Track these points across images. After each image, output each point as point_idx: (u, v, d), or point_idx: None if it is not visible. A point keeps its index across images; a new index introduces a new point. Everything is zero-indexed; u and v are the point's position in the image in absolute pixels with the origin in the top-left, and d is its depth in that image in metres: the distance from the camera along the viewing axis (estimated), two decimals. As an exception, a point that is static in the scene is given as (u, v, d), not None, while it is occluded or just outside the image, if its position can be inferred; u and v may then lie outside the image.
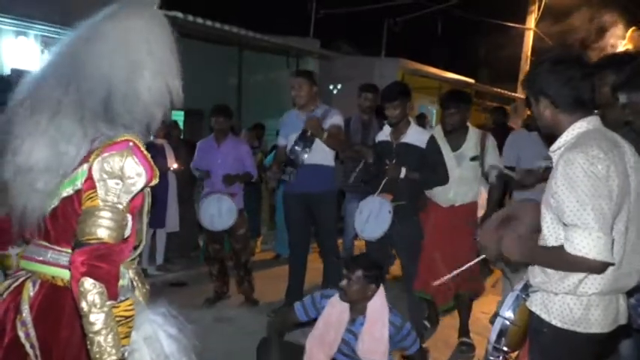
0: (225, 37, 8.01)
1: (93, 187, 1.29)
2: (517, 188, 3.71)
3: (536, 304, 1.80)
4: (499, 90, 14.03)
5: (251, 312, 4.23)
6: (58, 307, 1.34)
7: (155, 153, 5.01)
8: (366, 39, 14.44)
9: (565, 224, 1.66)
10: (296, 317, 2.72)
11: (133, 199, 1.35)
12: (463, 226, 3.48)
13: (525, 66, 11.46)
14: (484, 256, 2.02)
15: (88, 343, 1.23)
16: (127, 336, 1.28)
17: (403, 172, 3.36)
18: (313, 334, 2.65)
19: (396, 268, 4.50)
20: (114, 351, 1.23)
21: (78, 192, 1.32)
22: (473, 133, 3.53)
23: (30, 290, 1.38)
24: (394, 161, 3.39)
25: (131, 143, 1.33)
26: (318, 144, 3.86)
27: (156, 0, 1.48)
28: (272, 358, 2.67)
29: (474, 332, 3.68)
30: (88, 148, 1.33)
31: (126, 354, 1.28)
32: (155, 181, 1.41)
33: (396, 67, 10.86)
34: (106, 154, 1.30)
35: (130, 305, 1.29)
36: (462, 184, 3.48)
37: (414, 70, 11.59)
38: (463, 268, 2.11)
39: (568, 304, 1.72)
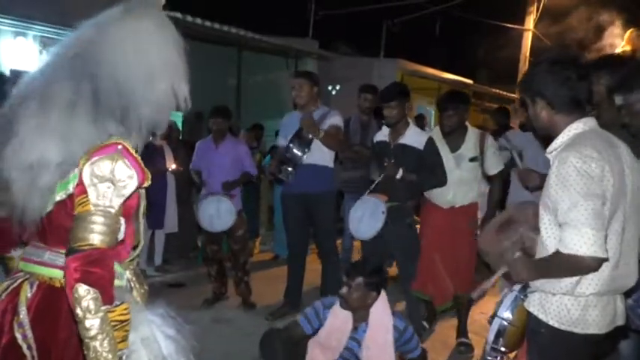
0: (225, 38, 8.01)
1: (84, 192, 1.29)
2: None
3: (533, 305, 1.81)
4: (497, 91, 14.05)
5: (249, 313, 4.23)
6: (56, 309, 1.34)
7: (154, 154, 5.04)
8: (365, 40, 14.46)
9: (559, 224, 1.67)
10: (302, 331, 2.68)
11: (126, 201, 1.34)
12: (463, 227, 3.48)
13: (524, 67, 11.46)
14: (503, 271, 1.98)
15: (85, 348, 1.23)
16: (124, 340, 1.28)
17: (400, 172, 3.36)
18: (315, 339, 2.65)
19: (394, 269, 4.50)
20: (110, 356, 1.22)
21: (70, 196, 1.32)
22: (472, 134, 3.51)
23: (27, 291, 1.38)
24: (393, 161, 3.39)
25: (120, 146, 1.33)
26: (317, 144, 3.86)
27: (162, 2, 1.49)
28: (277, 353, 2.67)
29: (472, 332, 3.69)
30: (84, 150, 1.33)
31: (124, 357, 1.28)
32: (147, 183, 1.40)
33: (395, 67, 10.87)
34: (95, 159, 1.30)
35: (125, 309, 1.29)
36: (462, 185, 3.47)
37: (413, 70, 11.60)
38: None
39: (565, 304, 1.72)
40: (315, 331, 2.69)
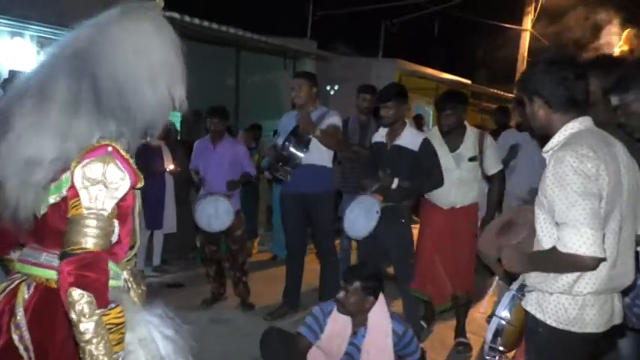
0: (223, 38, 8.01)
1: (76, 195, 1.29)
2: None
3: (531, 304, 1.81)
4: (496, 91, 14.06)
5: (248, 313, 4.23)
6: (53, 310, 1.34)
7: (152, 154, 5.04)
8: (364, 40, 14.47)
9: (557, 223, 1.67)
10: (307, 340, 2.65)
11: (120, 202, 1.34)
12: (463, 228, 3.47)
13: (522, 67, 11.49)
14: (517, 285, 1.99)
15: (80, 352, 1.23)
16: (120, 342, 1.28)
17: (395, 182, 3.36)
18: (317, 345, 2.64)
19: (392, 268, 4.50)
20: (106, 359, 1.22)
21: (64, 199, 1.32)
22: (471, 133, 3.50)
23: (25, 293, 1.38)
24: (388, 172, 3.38)
25: (110, 148, 1.32)
26: (316, 144, 3.86)
27: (160, 3, 1.49)
28: (277, 353, 2.67)
29: (470, 332, 3.69)
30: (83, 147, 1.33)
31: (119, 359, 1.28)
32: (140, 184, 1.41)
33: (393, 68, 10.87)
34: (86, 161, 1.29)
35: (120, 312, 1.29)
36: (462, 185, 3.45)
37: (411, 71, 11.60)
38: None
39: (563, 303, 1.73)
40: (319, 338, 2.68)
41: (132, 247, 1.50)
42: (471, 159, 3.46)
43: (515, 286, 1.95)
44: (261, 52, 9.11)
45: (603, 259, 1.63)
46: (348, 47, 14.22)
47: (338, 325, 2.58)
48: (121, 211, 1.38)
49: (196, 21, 7.21)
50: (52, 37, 5.75)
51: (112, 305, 1.28)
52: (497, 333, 1.92)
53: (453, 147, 3.47)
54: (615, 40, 8.19)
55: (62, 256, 1.26)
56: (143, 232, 5.06)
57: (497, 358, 1.96)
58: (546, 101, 1.79)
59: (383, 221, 3.31)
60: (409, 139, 3.44)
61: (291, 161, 3.93)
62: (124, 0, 1.44)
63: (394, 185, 3.36)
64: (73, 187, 1.29)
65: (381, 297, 2.60)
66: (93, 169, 1.29)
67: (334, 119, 3.94)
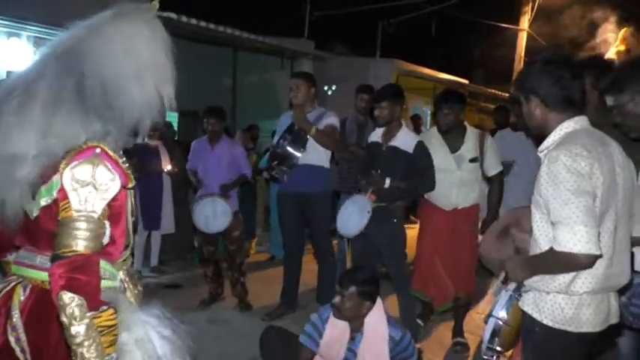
0: (220, 38, 8.00)
1: (66, 197, 1.29)
2: None
3: (528, 304, 1.81)
4: (493, 91, 14.08)
5: (245, 314, 4.22)
6: (49, 312, 1.34)
7: (149, 154, 5.04)
8: (361, 40, 14.46)
9: (552, 222, 1.68)
10: (308, 349, 2.64)
11: (111, 203, 1.34)
12: (465, 229, 3.47)
13: (519, 67, 11.50)
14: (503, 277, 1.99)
15: (72, 354, 1.23)
16: (112, 344, 1.28)
17: (387, 182, 3.36)
18: (317, 352, 2.63)
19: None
20: None
21: (55, 201, 1.32)
22: (471, 134, 3.48)
23: (20, 295, 1.37)
24: (379, 171, 3.39)
25: (98, 150, 1.33)
26: (313, 144, 3.86)
27: (156, 5, 1.50)
28: (277, 353, 2.67)
29: (467, 332, 3.69)
30: (68, 146, 1.33)
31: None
32: (131, 184, 1.40)
33: (391, 68, 10.88)
34: (74, 163, 1.30)
35: (112, 315, 1.29)
36: (464, 187, 3.44)
37: (409, 71, 11.61)
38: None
39: (559, 303, 1.73)
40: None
41: (126, 247, 1.49)
42: (472, 160, 3.44)
43: (512, 286, 1.96)
44: (259, 53, 9.10)
45: (599, 256, 1.64)
46: (345, 47, 14.22)
47: (336, 330, 2.56)
48: (114, 211, 1.38)
49: (193, 21, 7.20)
50: (49, 37, 5.72)
51: (104, 307, 1.28)
52: (495, 333, 1.93)
53: (454, 148, 3.45)
54: (612, 40, 8.20)
55: (53, 259, 1.26)
56: (141, 233, 5.06)
57: (494, 358, 1.97)
58: (542, 100, 1.79)
59: (374, 221, 3.31)
60: (404, 140, 3.43)
61: (288, 161, 3.93)
62: (121, 0, 1.44)
63: (386, 185, 3.36)
64: (62, 189, 1.29)
65: (379, 302, 2.58)
66: (82, 171, 1.29)
67: (332, 119, 3.95)
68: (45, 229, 1.35)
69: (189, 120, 7.04)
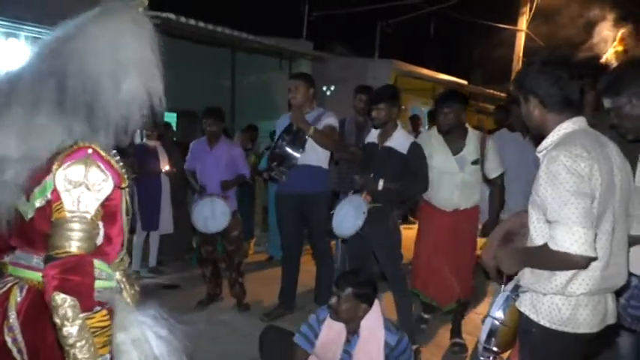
0: (218, 39, 7.99)
1: (59, 198, 1.29)
2: None
3: (525, 305, 1.82)
4: (492, 91, 14.09)
5: (244, 314, 4.23)
6: (45, 312, 1.34)
7: (148, 155, 5.04)
8: (359, 41, 14.45)
9: (548, 221, 1.68)
10: (302, 350, 2.63)
11: (105, 203, 1.34)
12: (465, 230, 3.46)
13: (517, 67, 11.50)
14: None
15: (65, 355, 1.23)
16: (105, 345, 1.28)
17: (381, 184, 3.36)
18: (313, 352, 2.62)
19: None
20: None
21: (49, 202, 1.32)
22: (472, 136, 3.46)
23: (17, 296, 1.37)
24: (372, 175, 3.39)
25: (90, 150, 1.32)
26: (312, 144, 3.86)
27: (144, 2, 1.48)
28: (276, 353, 2.66)
29: (466, 332, 3.69)
30: (54, 148, 1.32)
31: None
32: (124, 184, 1.40)
33: (390, 68, 10.88)
34: (66, 164, 1.30)
35: (105, 315, 1.29)
36: (466, 188, 3.42)
37: (408, 71, 11.61)
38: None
39: (557, 304, 1.73)
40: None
41: (122, 246, 1.49)
42: (474, 162, 3.42)
43: (509, 286, 1.96)
44: (257, 53, 9.10)
45: (594, 259, 1.64)
46: (344, 48, 14.23)
47: (332, 332, 2.55)
48: (109, 210, 1.38)
49: (192, 22, 7.19)
50: (47, 38, 5.73)
51: (98, 308, 1.28)
52: (491, 333, 1.92)
53: (456, 150, 3.43)
54: (610, 39, 8.21)
55: (46, 260, 1.26)
56: (139, 233, 5.06)
57: (491, 358, 1.96)
58: (541, 101, 1.79)
59: (369, 221, 3.31)
60: (399, 141, 3.43)
61: (287, 161, 3.93)
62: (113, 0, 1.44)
63: (380, 187, 3.37)
64: (55, 190, 1.29)
65: (377, 305, 2.56)
66: (74, 171, 1.29)
67: (330, 120, 3.95)
68: (40, 231, 1.35)
69: (188, 120, 7.04)
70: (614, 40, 8.33)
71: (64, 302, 1.21)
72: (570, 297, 1.72)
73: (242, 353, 3.32)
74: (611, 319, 1.82)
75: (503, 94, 13.07)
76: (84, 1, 1.59)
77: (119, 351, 1.30)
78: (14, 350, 1.35)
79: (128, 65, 1.37)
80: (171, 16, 6.79)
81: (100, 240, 1.36)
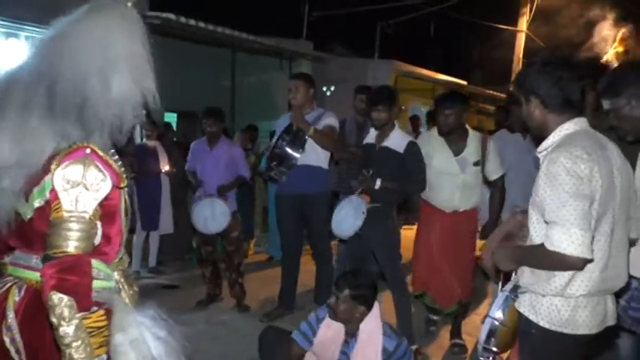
0: (219, 39, 8.00)
1: (57, 197, 1.29)
2: None
3: (524, 306, 1.81)
4: (492, 92, 14.09)
5: (243, 315, 4.23)
6: (43, 312, 1.34)
7: (148, 155, 5.04)
8: (360, 41, 14.47)
9: (546, 222, 1.68)
10: (299, 347, 2.63)
11: (104, 202, 1.34)
12: (465, 231, 3.45)
13: (518, 68, 11.50)
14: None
15: (62, 355, 1.23)
16: (102, 345, 1.28)
17: (378, 183, 3.37)
18: (312, 350, 2.63)
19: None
20: None
21: (47, 202, 1.32)
22: (473, 137, 3.44)
23: (15, 296, 1.37)
24: (370, 173, 3.39)
25: (88, 150, 1.32)
26: (312, 145, 3.86)
27: None
28: (275, 354, 2.67)
29: (466, 333, 3.69)
30: (51, 151, 1.32)
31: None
32: (123, 184, 1.40)
33: (390, 69, 10.89)
34: (65, 164, 1.29)
35: (102, 316, 1.28)
36: (466, 190, 3.41)
37: (408, 72, 11.63)
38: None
39: (556, 305, 1.73)
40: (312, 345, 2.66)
41: (121, 246, 1.49)
42: (476, 163, 3.41)
43: (508, 287, 1.96)
44: (257, 53, 9.11)
45: (590, 260, 1.64)
46: (344, 48, 14.24)
47: (330, 331, 2.55)
48: (108, 210, 1.38)
49: (192, 22, 7.19)
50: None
51: (95, 308, 1.28)
52: (491, 334, 1.92)
53: (457, 151, 3.41)
54: (610, 39, 8.20)
55: (44, 260, 1.26)
56: (139, 233, 5.06)
57: (490, 358, 1.97)
58: (542, 101, 1.78)
59: (368, 222, 3.31)
60: (396, 140, 3.44)
61: (287, 161, 3.93)
62: None
63: (377, 186, 3.37)
64: (53, 189, 1.29)
65: (376, 309, 2.55)
66: (73, 171, 1.29)
67: (330, 120, 3.95)
68: (39, 231, 1.35)
69: (188, 121, 7.04)
70: (615, 40, 8.33)
71: (60, 302, 1.21)
72: (569, 298, 1.71)
73: (242, 354, 3.32)
74: (611, 321, 1.81)
75: (503, 95, 13.07)
76: (84, 1, 1.59)
77: (117, 352, 1.30)
78: (12, 350, 1.35)
79: (118, 62, 1.35)
80: (172, 16, 6.79)
81: (98, 240, 1.36)
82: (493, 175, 3.48)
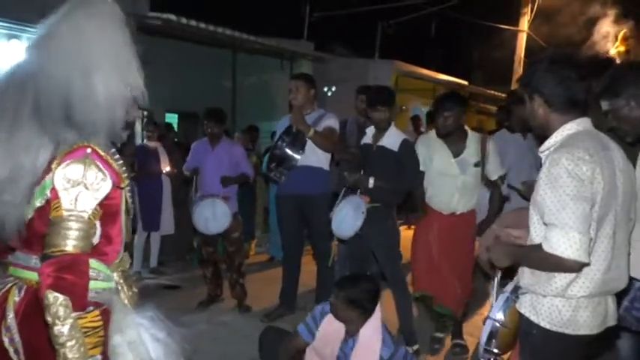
0: (219, 40, 8.01)
1: (57, 196, 1.29)
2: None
3: (525, 306, 1.81)
4: (493, 92, 14.08)
5: (244, 315, 4.23)
6: (42, 312, 1.34)
7: (149, 156, 5.05)
8: (360, 41, 14.45)
9: (545, 223, 1.68)
10: (302, 340, 2.65)
11: (105, 202, 1.34)
12: (463, 233, 3.44)
13: (519, 68, 11.50)
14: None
15: (56, 355, 1.23)
16: (97, 346, 1.27)
17: (371, 182, 3.37)
18: (313, 346, 2.64)
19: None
20: None
21: (48, 201, 1.32)
22: (472, 138, 3.43)
23: (15, 296, 1.37)
24: (362, 172, 3.41)
25: (89, 150, 1.32)
26: (312, 146, 3.86)
27: None
28: (276, 354, 2.67)
29: (467, 334, 3.69)
30: (48, 156, 1.32)
31: None
32: (124, 184, 1.40)
33: (391, 69, 10.89)
34: (65, 163, 1.30)
35: (97, 316, 1.28)
36: (466, 191, 3.40)
37: (408, 72, 11.62)
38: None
39: (557, 306, 1.72)
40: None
41: (122, 247, 1.49)
42: (476, 164, 3.40)
43: (509, 288, 1.96)
44: (258, 54, 9.12)
45: (586, 264, 1.64)
46: (345, 48, 14.24)
47: (332, 327, 2.57)
48: (109, 210, 1.38)
49: (193, 23, 7.20)
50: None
51: (90, 308, 1.28)
52: (492, 335, 1.92)
53: (456, 152, 3.40)
54: (611, 36, 8.19)
55: (42, 258, 1.26)
56: (140, 234, 5.07)
57: (491, 360, 1.97)
58: (546, 100, 1.77)
59: (367, 222, 3.31)
60: (391, 139, 3.45)
61: (287, 162, 3.94)
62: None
63: (370, 185, 3.37)
64: (54, 188, 1.30)
65: (377, 315, 2.54)
66: (73, 170, 1.29)
67: (330, 121, 3.95)
68: (39, 232, 1.35)
69: (189, 121, 7.06)
70: (616, 39, 8.32)
71: (56, 301, 1.21)
72: (570, 299, 1.71)
73: (243, 354, 3.32)
74: (612, 321, 1.81)
75: (504, 95, 13.05)
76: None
77: (115, 353, 1.29)
78: (11, 350, 1.35)
79: (99, 62, 1.33)
80: (172, 17, 6.80)
81: (96, 239, 1.36)
82: (494, 175, 3.48)
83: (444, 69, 13.38)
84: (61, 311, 1.21)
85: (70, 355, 1.21)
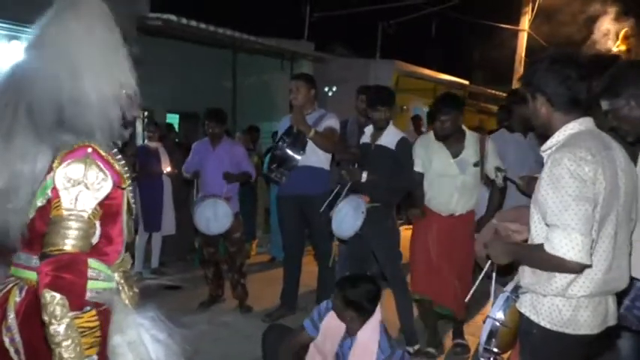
0: (220, 40, 8.01)
1: (57, 195, 1.29)
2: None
3: (525, 306, 1.81)
4: (494, 91, 14.07)
5: (246, 315, 4.23)
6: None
7: (150, 156, 5.05)
8: (361, 41, 14.46)
9: (547, 224, 1.67)
10: (307, 335, 2.66)
11: (106, 202, 1.34)
12: (462, 234, 3.43)
13: (519, 67, 11.49)
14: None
15: (52, 354, 1.23)
16: (93, 346, 1.28)
17: (364, 176, 3.39)
18: (315, 341, 2.65)
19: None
20: None
21: (49, 200, 1.32)
22: (471, 138, 3.43)
23: (16, 296, 1.38)
24: (356, 165, 3.42)
25: (89, 149, 1.32)
26: (312, 146, 3.87)
27: None
28: (278, 352, 2.68)
29: (468, 333, 3.68)
30: (49, 160, 1.32)
31: None
32: (125, 184, 1.40)
33: (391, 69, 10.88)
34: (66, 162, 1.30)
35: (93, 316, 1.28)
36: (465, 192, 3.40)
37: (409, 72, 11.62)
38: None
39: (557, 305, 1.72)
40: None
41: (124, 247, 1.49)
42: (476, 164, 3.40)
43: (509, 287, 1.95)
44: (258, 54, 9.12)
45: (588, 266, 1.64)
46: (345, 48, 14.24)
47: (334, 323, 2.58)
48: (110, 210, 1.38)
49: (193, 23, 7.21)
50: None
51: (87, 308, 1.28)
52: (492, 334, 1.92)
53: (455, 152, 3.40)
54: (612, 35, 8.18)
55: (41, 257, 1.27)
56: (141, 235, 5.07)
57: (491, 359, 1.97)
58: (548, 99, 1.77)
59: (367, 222, 3.32)
60: (389, 138, 3.48)
61: (288, 163, 3.94)
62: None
63: (363, 179, 3.38)
64: (55, 187, 1.30)
65: (376, 317, 2.54)
66: (74, 169, 1.29)
67: (331, 121, 3.95)
68: (39, 232, 1.35)
69: (190, 122, 7.06)
70: (617, 38, 8.31)
71: (53, 300, 1.21)
72: (571, 299, 1.71)
73: (244, 354, 3.33)
74: (612, 321, 1.81)
75: (504, 95, 13.03)
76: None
77: (115, 354, 1.29)
78: (11, 350, 1.36)
79: (89, 62, 1.33)
80: (173, 17, 6.81)
81: (95, 239, 1.36)
82: (493, 174, 3.48)
83: (445, 69, 13.38)
84: (58, 310, 1.21)
85: (65, 355, 1.21)
